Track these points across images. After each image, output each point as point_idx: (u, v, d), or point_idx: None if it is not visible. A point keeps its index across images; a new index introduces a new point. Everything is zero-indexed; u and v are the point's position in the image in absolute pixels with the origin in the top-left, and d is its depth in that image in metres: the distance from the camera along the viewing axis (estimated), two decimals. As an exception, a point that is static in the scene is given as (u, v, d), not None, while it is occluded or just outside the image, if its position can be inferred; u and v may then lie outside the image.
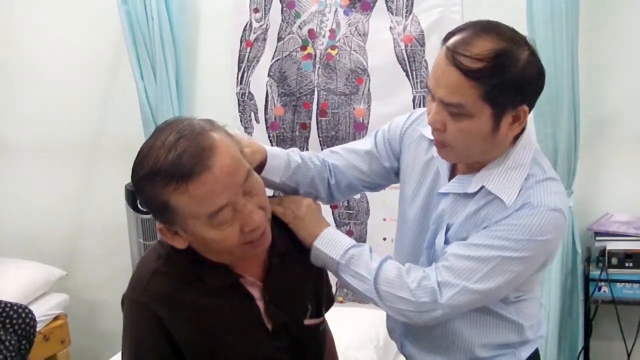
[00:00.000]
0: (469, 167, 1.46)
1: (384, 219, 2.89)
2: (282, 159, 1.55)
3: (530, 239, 1.37)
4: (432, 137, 1.45)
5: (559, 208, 1.38)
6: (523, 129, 1.41)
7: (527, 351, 1.58)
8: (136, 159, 1.24)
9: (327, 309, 1.59)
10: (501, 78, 1.30)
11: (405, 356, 1.68)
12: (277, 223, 1.46)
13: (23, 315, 2.26)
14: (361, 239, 2.93)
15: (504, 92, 1.31)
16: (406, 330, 1.63)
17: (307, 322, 1.47)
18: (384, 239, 2.87)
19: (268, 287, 1.40)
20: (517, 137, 1.42)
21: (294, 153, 1.61)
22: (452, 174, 1.50)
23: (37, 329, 2.83)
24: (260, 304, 1.39)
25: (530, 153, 1.43)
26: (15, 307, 2.28)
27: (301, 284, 1.47)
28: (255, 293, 1.39)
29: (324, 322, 1.56)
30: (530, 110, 1.38)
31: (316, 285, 1.52)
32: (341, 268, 1.45)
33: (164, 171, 1.19)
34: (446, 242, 1.48)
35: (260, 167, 1.50)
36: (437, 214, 1.50)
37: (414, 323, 1.47)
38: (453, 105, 1.33)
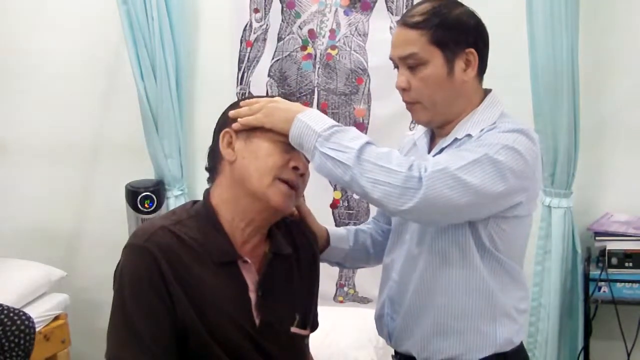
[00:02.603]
0: (443, 134, 1.57)
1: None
2: (343, 230, 1.78)
3: (504, 145, 1.42)
4: (416, 137, 1.64)
5: (525, 129, 1.47)
6: (487, 92, 1.57)
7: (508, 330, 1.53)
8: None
9: (311, 330, 1.61)
10: (441, 20, 1.49)
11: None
12: (283, 226, 1.52)
13: (19, 322, 2.20)
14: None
15: (446, 33, 1.48)
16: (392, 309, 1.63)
17: (293, 329, 1.48)
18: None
19: (263, 282, 1.43)
20: (482, 98, 1.56)
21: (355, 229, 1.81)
22: (431, 149, 1.61)
23: (38, 329, 2.85)
24: (253, 296, 1.42)
25: (497, 112, 1.54)
26: (11, 314, 2.22)
27: (293, 291, 1.49)
28: (250, 284, 1.42)
29: (308, 338, 1.58)
30: (480, 57, 1.52)
31: (307, 298, 1.55)
32: (320, 142, 1.38)
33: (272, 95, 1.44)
34: None
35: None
36: None
37: (387, 207, 1.38)
38: (408, 57, 1.50)
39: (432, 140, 1.63)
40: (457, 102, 1.54)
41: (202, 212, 1.45)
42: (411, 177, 1.35)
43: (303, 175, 1.46)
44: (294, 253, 1.51)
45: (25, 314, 2.37)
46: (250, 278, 1.42)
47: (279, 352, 1.44)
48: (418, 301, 1.55)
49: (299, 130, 1.40)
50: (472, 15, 1.55)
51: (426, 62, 1.49)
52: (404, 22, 1.53)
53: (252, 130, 1.43)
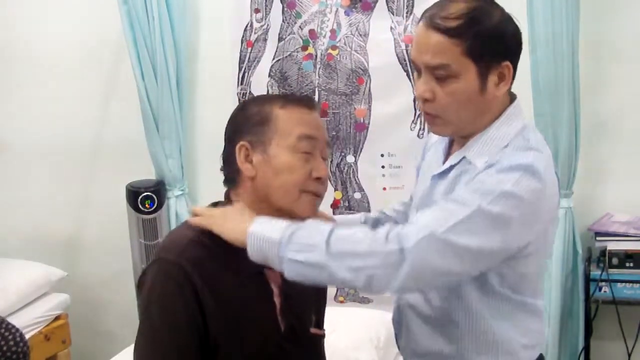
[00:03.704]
0: (461, 144, 1.45)
1: (385, 219, 2.89)
2: (357, 221, 1.74)
3: (500, 193, 1.27)
4: (433, 140, 1.51)
5: (530, 166, 1.30)
6: (512, 102, 1.43)
7: None
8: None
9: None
10: (479, 30, 1.33)
11: None
12: None
13: (5, 348, 2.21)
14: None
15: (484, 45, 1.34)
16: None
17: (312, 330, 1.49)
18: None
19: (285, 288, 1.42)
20: (504, 110, 1.42)
21: (378, 211, 1.79)
22: (447, 158, 1.49)
23: (39, 329, 2.85)
24: (277, 300, 1.42)
25: (518, 125, 1.40)
26: (2, 330, 2.22)
27: (309, 293, 1.49)
28: (275, 289, 1.42)
29: (324, 339, 1.58)
30: (514, 69, 1.39)
31: (318, 301, 1.56)
32: (283, 247, 1.27)
33: (285, 95, 1.46)
34: None
35: None
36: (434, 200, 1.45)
37: (376, 290, 1.29)
38: (438, 68, 1.35)
39: (451, 145, 1.52)
40: (482, 118, 1.41)
41: None
42: (390, 252, 1.25)
43: (325, 181, 1.43)
44: None
45: (17, 330, 2.37)
46: (275, 283, 1.42)
47: (303, 355, 1.45)
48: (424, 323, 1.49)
49: (258, 246, 1.29)
50: (510, 20, 1.39)
51: (458, 75, 1.35)
52: (435, 25, 1.35)
53: (268, 141, 1.38)
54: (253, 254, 1.30)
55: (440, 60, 1.34)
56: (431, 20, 1.36)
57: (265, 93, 2.95)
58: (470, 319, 1.42)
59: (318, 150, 1.40)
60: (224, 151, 1.45)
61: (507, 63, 1.37)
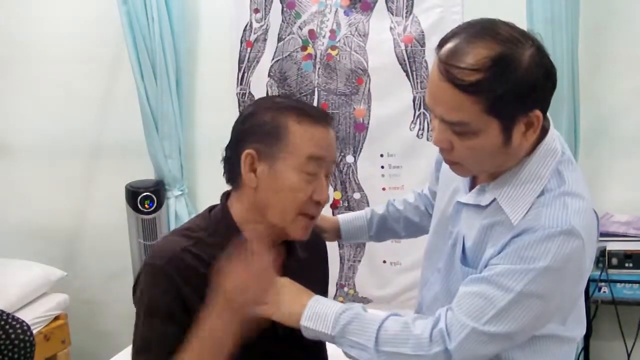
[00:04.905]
0: (490, 175, 1.32)
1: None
2: (362, 220, 1.74)
3: (541, 270, 1.18)
4: None
5: (569, 229, 1.19)
6: (544, 135, 1.27)
7: None
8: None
9: None
10: (504, 87, 1.15)
11: None
12: None
13: (19, 330, 2.21)
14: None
15: (510, 101, 1.16)
16: None
17: None
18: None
19: None
20: (537, 144, 1.27)
21: (382, 206, 1.76)
22: (473, 183, 1.38)
23: (38, 329, 2.85)
24: None
25: (552, 163, 1.26)
26: (7, 326, 2.23)
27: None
28: None
29: None
30: (545, 113, 1.24)
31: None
32: (337, 343, 1.31)
33: (301, 106, 1.38)
34: (464, 261, 1.34)
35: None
36: (457, 227, 1.38)
37: None
38: (456, 124, 1.20)
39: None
40: (510, 162, 1.27)
41: (223, 229, 1.39)
42: (436, 355, 1.23)
43: (324, 205, 1.41)
44: (309, 256, 1.50)
45: (23, 321, 2.39)
46: None
47: (304, 356, 1.44)
48: None
49: (313, 335, 1.31)
50: (541, 61, 1.20)
51: (478, 132, 1.19)
52: (451, 79, 1.16)
53: (277, 156, 1.33)
54: (307, 335, 1.32)
55: (457, 118, 1.19)
56: (446, 68, 1.18)
57: (264, 93, 2.96)
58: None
59: (323, 171, 1.38)
60: (228, 147, 1.41)
61: (537, 112, 1.20)
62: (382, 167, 2.88)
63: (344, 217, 1.79)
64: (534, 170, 1.26)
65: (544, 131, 1.28)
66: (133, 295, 1.40)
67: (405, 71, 2.77)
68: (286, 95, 1.40)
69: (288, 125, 1.34)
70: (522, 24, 2.49)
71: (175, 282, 1.31)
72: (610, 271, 2.50)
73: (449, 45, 1.20)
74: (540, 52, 1.21)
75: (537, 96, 1.21)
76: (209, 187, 3.14)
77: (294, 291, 1.34)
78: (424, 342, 1.24)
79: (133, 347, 1.37)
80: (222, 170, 1.44)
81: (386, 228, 1.78)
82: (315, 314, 1.30)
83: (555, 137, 1.30)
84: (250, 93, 2.99)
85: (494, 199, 1.28)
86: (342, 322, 1.29)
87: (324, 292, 1.59)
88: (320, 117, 1.38)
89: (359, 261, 2.97)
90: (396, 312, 1.34)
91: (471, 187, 1.37)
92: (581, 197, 1.26)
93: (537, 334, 1.28)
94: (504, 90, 1.16)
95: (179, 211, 3.10)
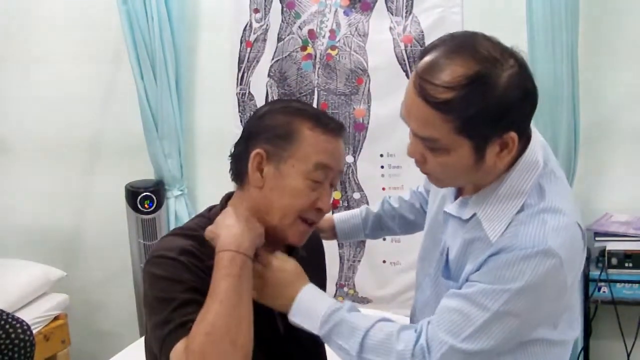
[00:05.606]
0: (474, 186, 1.30)
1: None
2: (357, 219, 1.75)
3: (517, 290, 1.17)
4: None
5: (544, 250, 1.17)
6: (525, 148, 1.24)
7: None
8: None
9: None
10: (476, 108, 1.13)
11: None
12: None
13: (19, 330, 2.22)
14: (361, 239, 2.93)
15: (482, 122, 1.14)
16: None
17: None
18: (384, 239, 2.87)
19: None
20: (518, 157, 1.24)
21: (378, 204, 1.78)
22: (459, 191, 1.37)
23: (38, 329, 2.85)
24: None
25: (533, 177, 1.24)
26: (7, 326, 2.23)
27: None
28: None
29: None
30: (522, 134, 1.21)
31: None
32: (325, 339, 1.32)
33: (317, 114, 1.38)
34: (446, 274, 1.35)
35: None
36: (444, 236, 1.38)
37: None
38: (427, 139, 1.19)
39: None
40: (486, 178, 1.26)
41: None
42: None
43: (326, 213, 1.41)
44: (309, 255, 1.50)
45: (23, 321, 2.39)
46: None
47: (304, 356, 1.44)
48: None
49: (300, 323, 1.31)
50: (520, 82, 1.16)
51: (449, 149, 1.18)
52: (425, 94, 1.15)
53: (285, 158, 1.33)
54: (296, 325, 1.33)
55: (428, 134, 1.18)
56: (420, 83, 1.16)
57: (264, 93, 2.96)
58: None
59: (329, 180, 1.37)
60: (237, 144, 1.41)
61: (512, 134, 1.17)
62: (382, 167, 2.88)
63: (339, 216, 1.80)
64: (514, 185, 1.24)
65: (527, 141, 1.25)
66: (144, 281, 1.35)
67: (405, 71, 2.77)
68: (301, 101, 1.36)
69: (301, 130, 1.34)
70: (522, 24, 2.53)
71: (190, 269, 1.29)
72: (610, 271, 2.50)
73: (427, 58, 1.18)
74: (521, 72, 1.17)
75: (512, 118, 1.17)
76: (208, 187, 3.14)
77: (286, 279, 1.34)
78: (406, 356, 1.23)
79: (146, 308, 1.31)
80: (228, 167, 1.43)
81: (381, 226, 1.80)
82: (304, 310, 1.31)
83: (537, 149, 1.27)
84: (250, 93, 2.99)
85: (474, 214, 1.27)
86: (329, 326, 1.29)
87: (322, 289, 1.59)
88: (335, 127, 1.37)
89: (359, 261, 2.97)
90: (386, 317, 1.33)
91: (457, 196, 1.37)
92: (561, 212, 1.22)
93: (528, 339, 1.27)
94: (476, 111, 1.14)
95: (179, 211, 3.10)
